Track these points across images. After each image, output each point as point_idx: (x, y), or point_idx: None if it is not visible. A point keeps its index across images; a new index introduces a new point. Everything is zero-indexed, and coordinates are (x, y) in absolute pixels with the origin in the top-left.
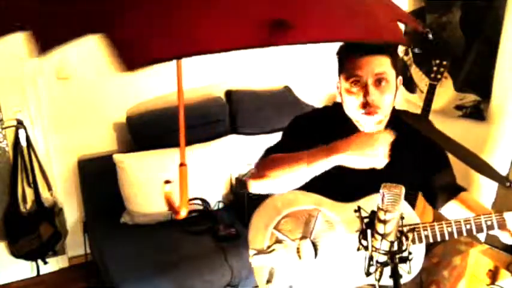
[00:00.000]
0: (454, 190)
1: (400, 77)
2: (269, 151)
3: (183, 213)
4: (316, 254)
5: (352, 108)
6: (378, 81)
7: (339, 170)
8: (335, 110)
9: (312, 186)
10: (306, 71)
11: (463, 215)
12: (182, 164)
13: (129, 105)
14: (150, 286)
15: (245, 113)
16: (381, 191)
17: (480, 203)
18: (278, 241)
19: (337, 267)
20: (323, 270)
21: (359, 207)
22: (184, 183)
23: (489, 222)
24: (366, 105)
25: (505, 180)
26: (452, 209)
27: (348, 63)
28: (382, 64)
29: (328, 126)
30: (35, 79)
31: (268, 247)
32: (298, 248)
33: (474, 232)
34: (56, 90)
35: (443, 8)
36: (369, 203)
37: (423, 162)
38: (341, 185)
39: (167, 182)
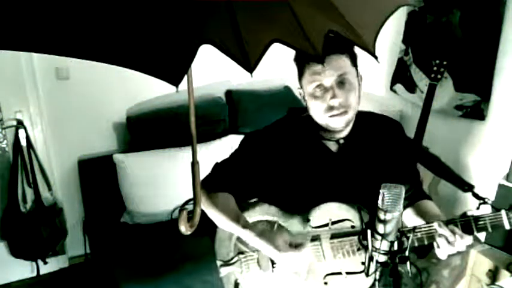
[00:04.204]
0: (414, 197)
1: (361, 75)
2: (217, 167)
3: (191, 230)
4: (273, 265)
5: (319, 112)
6: (341, 82)
7: (292, 182)
8: (291, 122)
9: (269, 196)
10: None
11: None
12: (194, 163)
13: (129, 105)
14: (150, 286)
15: (245, 113)
16: (381, 191)
17: (437, 213)
18: (240, 252)
19: (294, 279)
20: (283, 281)
21: (359, 207)
22: (197, 180)
23: (419, 235)
24: (332, 108)
25: (465, 186)
26: (406, 217)
27: (308, 67)
28: (342, 65)
29: (284, 142)
30: (35, 79)
31: (232, 258)
32: (258, 259)
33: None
34: (56, 90)
35: (443, 8)
36: (320, 213)
37: (387, 166)
38: (295, 196)
39: (184, 209)
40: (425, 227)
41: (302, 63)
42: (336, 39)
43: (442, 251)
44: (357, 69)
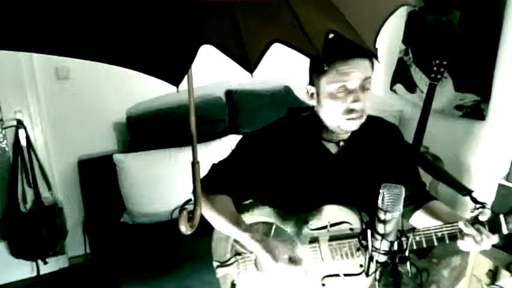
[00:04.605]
0: (420, 199)
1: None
2: (215, 168)
3: (191, 230)
4: None
5: (336, 113)
6: (363, 86)
7: (291, 183)
8: (291, 122)
9: (267, 197)
10: (306, 71)
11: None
12: (194, 163)
13: (129, 105)
14: (150, 286)
15: (245, 113)
16: (381, 191)
17: (450, 211)
18: (238, 253)
19: (292, 281)
20: (280, 282)
21: (358, 208)
22: (198, 180)
23: (439, 234)
24: (352, 111)
25: (463, 190)
26: (419, 220)
27: (333, 67)
28: (367, 68)
29: (283, 142)
30: (35, 79)
31: (229, 259)
32: (255, 260)
33: (424, 245)
34: (56, 90)
35: (443, 8)
36: (319, 215)
37: (387, 170)
38: (294, 198)
39: (184, 209)
40: (447, 227)
41: (326, 60)
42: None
43: (468, 249)
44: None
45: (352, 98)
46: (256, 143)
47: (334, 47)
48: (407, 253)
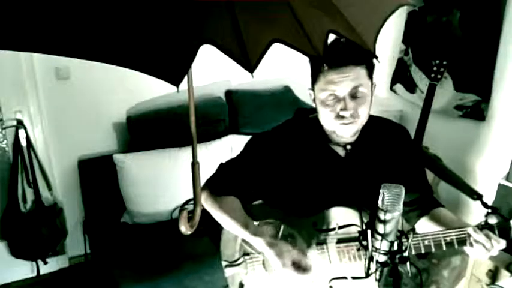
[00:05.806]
0: (427, 205)
1: (375, 83)
2: (223, 168)
3: (191, 230)
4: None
5: (328, 119)
6: (354, 94)
7: (299, 186)
8: (299, 124)
9: (275, 199)
10: (306, 71)
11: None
12: (194, 163)
13: (129, 105)
14: (150, 286)
15: (245, 113)
16: (381, 191)
17: (456, 219)
18: (246, 253)
19: (299, 282)
20: (288, 283)
21: (360, 209)
22: (197, 180)
23: (448, 239)
24: (342, 117)
25: (473, 194)
26: (425, 226)
27: (323, 75)
28: (358, 76)
29: (292, 145)
30: (35, 79)
31: (237, 259)
32: (263, 261)
33: (433, 249)
34: (56, 90)
35: (443, 8)
36: (327, 217)
37: (395, 172)
38: (302, 200)
39: (184, 209)
40: (456, 231)
41: (317, 69)
42: (354, 50)
43: (477, 256)
44: (372, 80)
45: (340, 106)
46: (265, 145)
47: (325, 55)
48: (407, 253)
